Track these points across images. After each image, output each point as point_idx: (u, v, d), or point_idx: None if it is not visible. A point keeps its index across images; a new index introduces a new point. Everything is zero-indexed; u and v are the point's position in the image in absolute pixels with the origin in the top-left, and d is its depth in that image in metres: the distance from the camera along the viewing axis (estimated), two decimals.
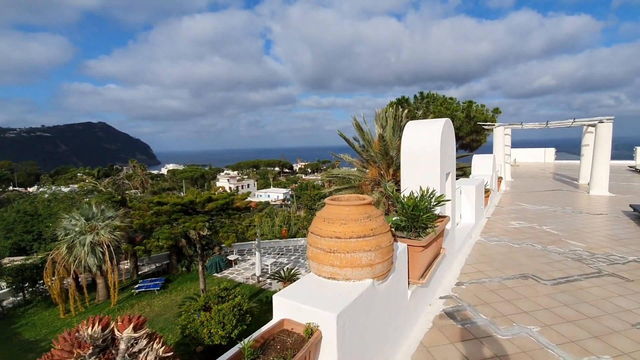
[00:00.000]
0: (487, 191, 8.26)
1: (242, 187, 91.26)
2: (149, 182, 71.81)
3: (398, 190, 4.34)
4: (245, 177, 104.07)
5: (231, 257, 24.69)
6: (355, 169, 16.87)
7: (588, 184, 12.19)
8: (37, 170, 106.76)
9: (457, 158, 18.54)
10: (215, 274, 23.14)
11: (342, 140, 15.69)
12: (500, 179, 10.76)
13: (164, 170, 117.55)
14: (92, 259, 18.01)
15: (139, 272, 23.21)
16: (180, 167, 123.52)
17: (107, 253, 17.75)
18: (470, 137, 21.39)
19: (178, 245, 22.48)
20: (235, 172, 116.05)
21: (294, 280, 19.53)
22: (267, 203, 60.31)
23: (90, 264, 18.04)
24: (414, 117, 21.34)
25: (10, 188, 68.30)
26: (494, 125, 12.93)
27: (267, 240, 29.04)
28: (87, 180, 29.99)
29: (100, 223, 18.54)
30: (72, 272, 17.73)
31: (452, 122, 16.81)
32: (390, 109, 16.02)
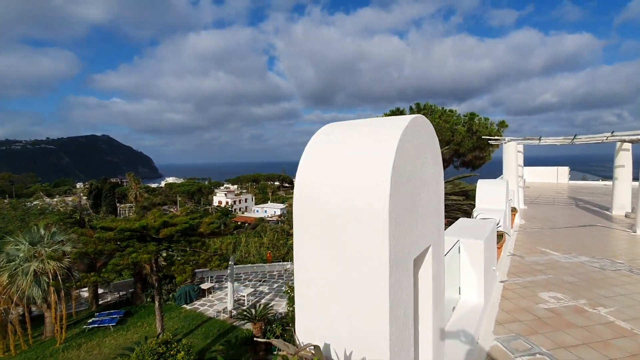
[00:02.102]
0: (500, 237, 5.46)
1: (240, 202, 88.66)
2: (142, 196, 69.54)
3: None
4: (244, 191, 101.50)
5: (205, 286, 21.77)
6: None
7: (626, 215, 9.37)
8: (37, 182, 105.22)
9: (458, 178, 15.79)
10: (185, 306, 20.21)
11: None
12: (514, 211, 8.00)
13: (164, 184, 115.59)
14: (37, 290, 15.28)
15: (99, 302, 20.35)
16: (180, 181, 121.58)
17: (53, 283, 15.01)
18: (473, 154, 18.64)
19: (141, 273, 19.66)
20: (235, 186, 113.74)
21: (267, 319, 16.61)
22: (262, 219, 57.51)
23: (34, 295, 15.30)
24: None
25: (6, 200, 65.88)
26: (503, 140, 10.22)
27: (249, 265, 26.14)
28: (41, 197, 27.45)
29: (46, 249, 15.87)
30: (13, 303, 14.96)
31: (452, 137, 13.59)
32: None
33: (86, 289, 20.28)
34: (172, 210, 74.51)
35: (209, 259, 14.72)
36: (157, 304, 15.25)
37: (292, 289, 15.87)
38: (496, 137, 11.28)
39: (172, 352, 10.39)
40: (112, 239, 13.48)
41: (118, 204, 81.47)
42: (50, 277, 15.52)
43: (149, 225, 13.89)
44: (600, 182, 21.03)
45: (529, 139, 9.72)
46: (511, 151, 10.01)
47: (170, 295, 20.62)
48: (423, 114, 14.90)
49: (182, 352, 10.24)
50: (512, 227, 7.65)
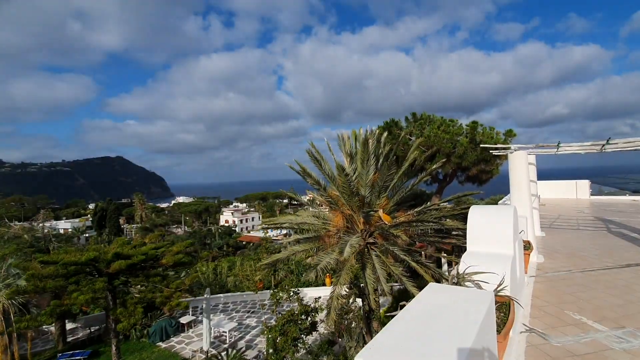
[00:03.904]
0: (503, 308, 3.16)
1: (247, 221, 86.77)
2: (148, 217, 68.32)
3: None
4: (252, 209, 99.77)
5: (184, 319, 19.45)
6: (316, 212, 11.88)
7: None
8: (50, 203, 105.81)
9: (462, 196, 13.35)
10: (160, 344, 17.88)
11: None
12: (528, 249, 5.55)
13: (173, 203, 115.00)
14: None
15: (68, 340, 18.20)
16: (190, 200, 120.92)
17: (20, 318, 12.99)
18: (478, 168, 16.20)
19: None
20: (244, 205, 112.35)
21: None
22: (266, 239, 55.18)
23: None
24: (406, 143, 16.30)
25: (16, 223, 65.47)
26: (508, 149, 7.83)
27: (238, 293, 23.77)
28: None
29: None
30: None
31: (454, 149, 10.85)
32: (369, 133, 11.28)
33: (51, 325, 18.23)
34: (176, 231, 73.17)
35: (170, 296, 12.52)
36: (113, 348, 13.04)
37: (270, 329, 13.44)
38: (501, 146, 8.92)
39: None
40: (55, 275, 11.45)
41: (126, 225, 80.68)
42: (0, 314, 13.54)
43: (100, 257, 11.84)
44: (629, 197, 18.23)
45: (542, 146, 7.27)
46: (520, 163, 7.57)
47: (145, 332, 18.36)
48: (420, 124, 12.45)
49: None
50: (526, 272, 5.28)
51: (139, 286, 12.44)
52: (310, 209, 12.24)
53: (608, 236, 9.20)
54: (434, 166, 11.96)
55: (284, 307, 18.58)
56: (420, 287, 11.09)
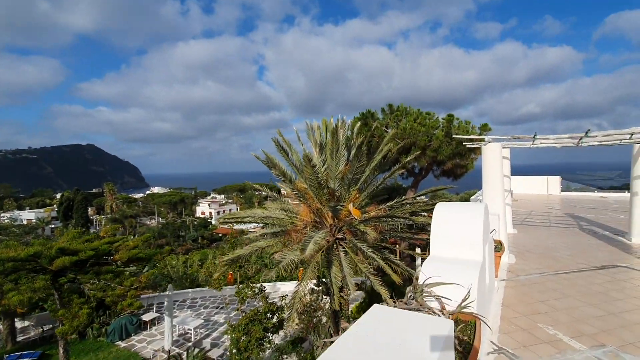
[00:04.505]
0: (467, 330, 2.49)
1: (224, 212, 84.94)
2: (119, 208, 65.54)
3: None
4: (230, 201, 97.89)
5: (147, 317, 18.40)
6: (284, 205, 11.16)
7: None
8: (14, 193, 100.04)
9: (436, 190, 12.93)
10: (119, 342, 16.81)
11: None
12: (499, 251, 5.03)
13: (148, 194, 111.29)
14: None
15: (18, 339, 16.83)
16: (165, 190, 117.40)
17: None
18: (453, 162, 15.88)
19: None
20: (222, 196, 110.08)
21: None
22: (242, 231, 54.07)
23: None
24: (381, 135, 15.71)
25: None
26: (482, 141, 7.29)
27: (207, 289, 22.81)
28: None
29: None
30: None
31: (430, 142, 10.16)
32: (340, 122, 10.57)
33: None
34: (149, 222, 70.69)
35: (123, 294, 11.53)
36: (60, 350, 11.97)
37: (233, 328, 12.71)
38: (475, 137, 8.43)
39: None
40: None
41: (96, 215, 77.22)
42: None
43: (42, 253, 10.67)
44: (596, 194, 18.49)
45: (518, 138, 6.76)
46: (493, 157, 7.05)
47: (103, 330, 17.22)
48: (396, 116, 11.83)
49: None
50: (497, 277, 4.77)
51: (89, 284, 11.36)
52: (279, 203, 11.49)
53: (580, 234, 8.97)
54: (408, 159, 11.44)
55: (255, 304, 17.88)
56: (391, 285, 10.61)
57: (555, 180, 19.36)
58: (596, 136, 5.96)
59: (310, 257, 9.23)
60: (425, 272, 3.01)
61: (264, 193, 11.64)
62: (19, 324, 17.99)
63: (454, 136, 9.13)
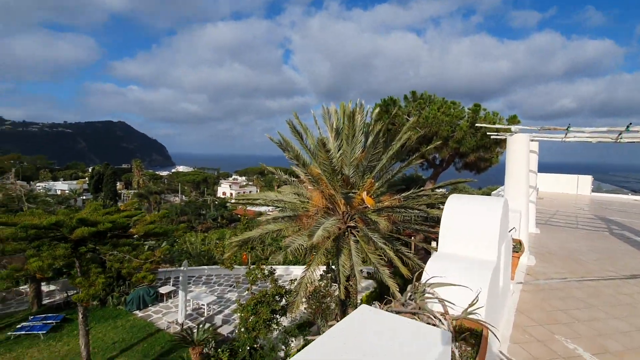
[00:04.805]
0: (472, 339, 2.14)
1: (244, 193, 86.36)
2: (145, 184, 67.73)
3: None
4: (250, 183, 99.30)
5: (164, 289, 18.95)
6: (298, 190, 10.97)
7: None
8: (50, 164, 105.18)
9: (453, 183, 12.35)
10: (137, 312, 17.44)
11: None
12: (518, 250, 4.56)
13: (173, 172, 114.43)
14: None
15: (43, 302, 17.74)
16: (190, 169, 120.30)
17: None
18: (476, 155, 15.12)
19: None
20: (243, 178, 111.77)
21: (207, 345, 13.62)
22: (260, 213, 54.76)
23: None
24: (402, 124, 15.12)
25: (11, 180, 64.62)
26: (509, 131, 6.66)
27: (222, 267, 23.19)
28: None
29: None
30: None
31: (453, 133, 9.59)
32: (359, 108, 10.14)
33: (26, 286, 17.74)
34: (173, 199, 72.83)
35: (138, 267, 11.79)
36: (80, 316, 12.44)
37: (243, 307, 12.82)
38: (501, 126, 7.79)
39: None
40: (14, 238, 10.67)
41: (124, 190, 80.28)
42: None
43: (63, 222, 11.01)
44: (630, 197, 17.23)
45: (548, 129, 6.03)
46: (520, 148, 6.41)
47: (122, 299, 17.89)
48: (418, 104, 11.26)
49: None
50: (512, 279, 4.34)
51: (107, 255, 11.67)
52: (293, 187, 11.28)
53: (610, 238, 8.28)
54: (428, 148, 10.92)
55: (267, 285, 18.04)
56: (401, 276, 10.28)
57: (587, 180, 18.17)
58: (638, 132, 5.27)
59: (320, 243, 9.04)
60: (430, 270, 2.68)
61: (284, 176, 11.44)
62: (45, 288, 18.95)
63: (477, 124, 8.49)
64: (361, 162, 9.22)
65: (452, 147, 15.00)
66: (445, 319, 2.35)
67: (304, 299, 12.27)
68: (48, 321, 15.59)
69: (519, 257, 4.46)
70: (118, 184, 76.38)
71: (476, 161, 16.18)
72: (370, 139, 10.01)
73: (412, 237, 17.04)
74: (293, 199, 10.27)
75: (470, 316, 2.46)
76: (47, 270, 9.71)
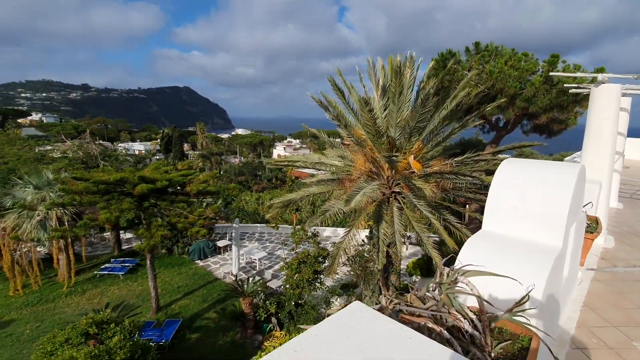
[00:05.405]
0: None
1: (296, 156, 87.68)
2: (208, 145, 71.91)
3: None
4: (304, 146, 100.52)
5: (221, 243, 20.29)
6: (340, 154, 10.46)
7: None
8: (128, 127, 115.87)
9: (517, 147, 10.83)
10: (198, 262, 19.03)
11: None
12: (593, 230, 3.60)
13: (233, 134, 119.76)
14: (43, 234, 14.79)
15: (123, 248, 20.08)
16: (248, 132, 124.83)
17: (59, 227, 14.31)
18: (549, 115, 13.03)
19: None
20: (297, 141, 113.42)
21: (256, 296, 14.31)
22: (313, 176, 55.34)
23: (43, 238, 14.86)
24: (459, 80, 13.51)
25: (98, 141, 72.38)
26: (594, 81, 5.18)
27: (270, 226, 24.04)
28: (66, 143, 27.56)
29: (51, 194, 15.14)
30: (20, 245, 14.75)
31: (522, 90, 8.28)
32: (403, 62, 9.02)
33: (108, 233, 20.11)
34: (233, 160, 76.65)
35: (193, 222, 12.49)
36: (148, 262, 13.77)
37: (288, 265, 13.15)
38: (581, 75, 6.26)
39: (108, 334, 8.49)
40: (86, 191, 11.79)
41: (191, 151, 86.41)
42: (55, 223, 14.91)
43: (127, 179, 11.87)
44: None
45: None
46: (607, 103, 4.95)
47: (186, 249, 19.57)
48: (482, 57, 9.71)
49: (117, 336, 8.25)
50: (582, 264, 3.46)
51: (167, 210, 12.50)
52: (337, 150, 10.77)
53: None
54: (489, 107, 9.51)
55: (320, 245, 18.37)
56: (458, 243, 9.51)
57: None
58: None
59: (362, 208, 8.59)
60: (466, 255, 2.08)
61: (338, 140, 10.99)
62: (124, 236, 21.40)
63: (551, 74, 6.96)
64: (408, 123, 8.32)
65: (519, 107, 13.06)
66: (480, 319, 1.78)
67: (345, 263, 12.15)
68: (126, 264, 17.68)
69: (593, 240, 3.53)
70: (185, 145, 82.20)
71: (549, 123, 14.02)
72: (422, 97, 8.96)
73: (467, 206, 15.80)
74: (335, 162, 9.80)
75: (516, 318, 1.86)
76: (114, 221, 10.66)
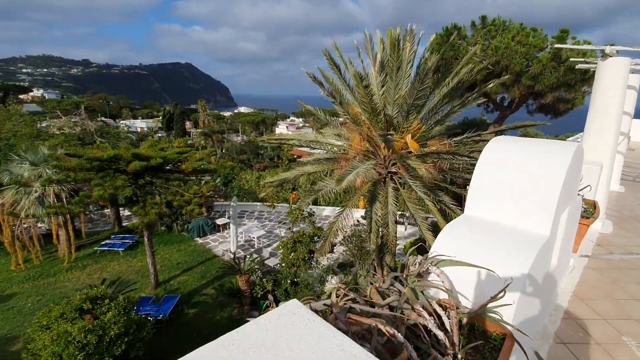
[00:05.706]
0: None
1: (298, 134, 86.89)
2: (209, 123, 71.26)
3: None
4: (307, 125, 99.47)
5: (220, 221, 20.32)
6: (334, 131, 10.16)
7: None
8: (130, 104, 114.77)
9: (520, 127, 10.45)
10: (197, 239, 19.13)
11: None
12: (589, 216, 3.36)
13: (235, 112, 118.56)
14: (41, 210, 14.81)
15: (123, 224, 20.17)
16: (250, 110, 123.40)
17: (54, 204, 14.31)
18: (556, 94, 12.51)
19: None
20: (300, 120, 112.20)
21: (253, 273, 14.40)
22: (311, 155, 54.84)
23: (40, 214, 14.89)
24: (463, 56, 12.97)
25: (100, 118, 71.98)
26: (604, 55, 4.81)
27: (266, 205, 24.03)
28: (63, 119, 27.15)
29: (47, 170, 15.04)
30: (19, 221, 14.81)
31: (528, 67, 7.96)
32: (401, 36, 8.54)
33: (108, 210, 20.17)
34: (235, 138, 76.13)
35: (189, 201, 12.39)
36: (145, 239, 13.82)
37: (284, 244, 13.16)
38: (588, 47, 5.85)
39: (102, 309, 8.56)
40: (80, 168, 11.65)
41: (193, 129, 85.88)
42: (53, 199, 14.90)
43: (121, 156, 11.69)
44: None
45: None
46: (613, 79, 4.57)
47: (185, 227, 19.64)
48: (488, 32, 9.15)
49: (111, 312, 8.31)
50: (575, 251, 3.23)
51: (162, 188, 12.37)
52: (334, 128, 10.45)
53: None
54: (492, 84, 9.08)
55: (319, 224, 18.35)
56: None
57: None
58: None
59: (358, 187, 8.40)
60: (442, 242, 1.87)
61: (340, 119, 10.66)
62: (124, 212, 21.47)
63: (556, 45, 6.53)
64: (406, 101, 7.96)
65: (525, 85, 12.53)
66: (448, 315, 1.59)
67: (341, 243, 12.08)
68: (126, 240, 17.80)
69: (589, 225, 3.29)
70: (187, 123, 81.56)
71: (555, 102, 13.51)
72: (418, 73, 8.53)
73: (467, 188, 15.45)
74: (330, 140, 9.52)
75: (491, 314, 1.67)
76: (108, 198, 10.56)
